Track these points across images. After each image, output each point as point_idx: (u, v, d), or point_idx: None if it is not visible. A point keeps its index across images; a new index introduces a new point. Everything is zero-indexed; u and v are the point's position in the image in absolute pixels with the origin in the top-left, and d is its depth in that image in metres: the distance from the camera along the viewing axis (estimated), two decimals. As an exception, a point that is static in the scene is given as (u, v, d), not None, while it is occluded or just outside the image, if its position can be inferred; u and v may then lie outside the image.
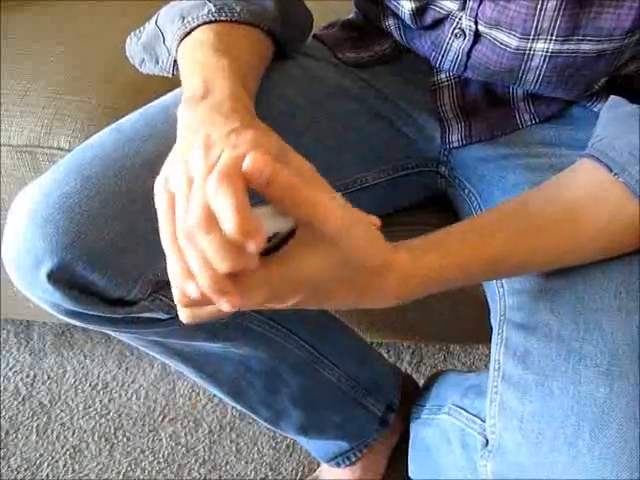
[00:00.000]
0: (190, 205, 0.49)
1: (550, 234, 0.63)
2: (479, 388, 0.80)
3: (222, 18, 0.72)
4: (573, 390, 0.61)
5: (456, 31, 0.75)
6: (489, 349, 1.40)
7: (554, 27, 0.67)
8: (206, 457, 1.22)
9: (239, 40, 0.72)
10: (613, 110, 0.68)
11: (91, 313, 0.70)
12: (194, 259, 0.49)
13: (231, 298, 0.49)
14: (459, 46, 0.76)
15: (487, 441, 0.67)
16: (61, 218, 0.65)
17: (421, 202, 0.93)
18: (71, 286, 0.67)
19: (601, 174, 0.63)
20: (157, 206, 0.53)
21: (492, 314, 0.77)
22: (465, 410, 0.78)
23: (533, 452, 0.60)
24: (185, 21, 0.72)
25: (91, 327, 0.75)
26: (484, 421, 0.71)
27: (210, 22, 0.72)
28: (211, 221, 0.47)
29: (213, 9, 0.72)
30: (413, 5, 0.75)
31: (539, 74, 0.72)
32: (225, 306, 0.49)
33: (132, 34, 0.81)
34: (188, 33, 0.72)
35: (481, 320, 1.09)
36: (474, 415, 0.75)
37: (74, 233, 0.64)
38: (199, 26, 0.72)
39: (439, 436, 0.84)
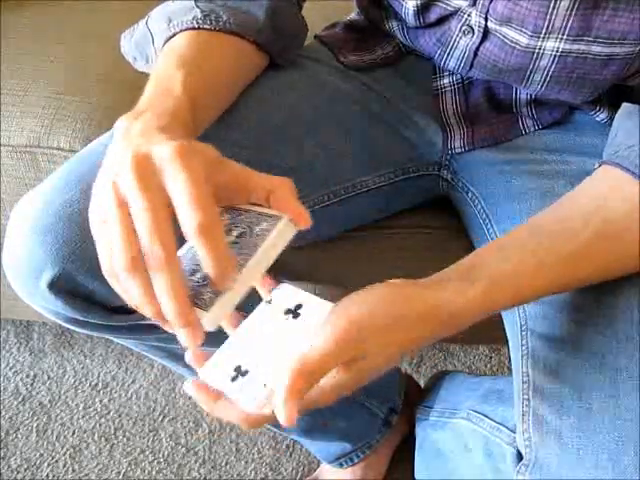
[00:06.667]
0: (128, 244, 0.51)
1: (595, 256, 0.61)
2: (500, 394, 0.79)
3: (206, 26, 0.70)
4: (613, 404, 0.60)
5: (464, 28, 0.74)
6: (489, 349, 1.39)
7: (566, 26, 0.66)
8: (206, 457, 1.22)
9: (217, 51, 0.71)
10: (633, 118, 0.66)
11: (92, 321, 0.70)
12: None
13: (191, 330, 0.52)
14: (466, 43, 0.75)
15: (519, 453, 0.66)
16: (62, 227, 0.64)
17: (422, 204, 0.93)
18: (72, 295, 0.66)
19: (633, 185, 0.61)
20: (92, 231, 0.55)
21: (508, 323, 0.76)
22: (487, 417, 0.78)
23: (575, 468, 0.59)
24: (171, 24, 0.71)
25: (93, 334, 0.75)
26: (512, 430, 0.70)
27: (194, 28, 0.70)
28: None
29: (199, 15, 0.71)
30: (418, 2, 0.74)
31: (547, 74, 0.71)
32: (185, 340, 0.52)
33: (126, 32, 0.80)
34: (172, 36, 0.71)
35: (481, 320, 1.09)
36: (499, 423, 0.75)
37: (75, 242, 0.64)
38: (182, 31, 0.71)
39: (454, 441, 0.84)
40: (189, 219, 0.50)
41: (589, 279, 0.64)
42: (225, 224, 0.57)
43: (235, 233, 0.56)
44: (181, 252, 0.57)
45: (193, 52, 0.69)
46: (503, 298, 0.59)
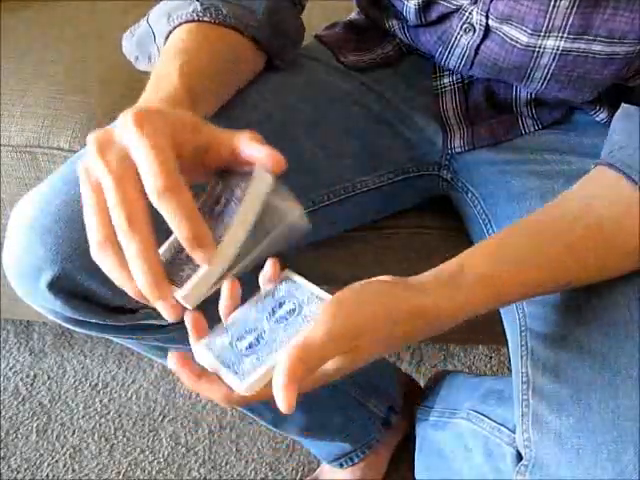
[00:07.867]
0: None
1: (584, 255, 0.61)
2: (500, 394, 0.79)
3: (206, 19, 0.70)
4: (612, 404, 0.60)
5: (465, 26, 0.75)
6: (489, 349, 1.39)
7: (566, 25, 0.66)
8: (206, 457, 1.22)
9: (216, 43, 0.71)
10: (630, 119, 0.67)
11: (92, 321, 0.70)
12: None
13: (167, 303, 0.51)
14: (467, 41, 0.75)
15: (519, 453, 0.66)
16: (61, 227, 0.64)
17: (422, 205, 0.93)
18: (72, 295, 0.66)
19: (624, 186, 0.62)
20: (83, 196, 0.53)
21: (507, 322, 0.76)
22: (487, 417, 0.77)
23: (575, 468, 0.59)
24: (170, 19, 0.72)
25: (93, 334, 0.75)
26: (512, 431, 0.70)
27: (194, 21, 0.71)
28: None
29: (199, 8, 0.71)
30: (419, 0, 0.75)
31: (547, 73, 0.71)
32: (166, 313, 0.51)
33: (128, 31, 0.81)
34: (173, 30, 0.71)
35: (481, 320, 1.09)
36: (499, 423, 0.74)
37: (74, 242, 0.64)
38: (182, 24, 0.71)
39: (454, 441, 0.84)
40: (150, 185, 0.48)
41: (583, 279, 0.64)
42: (216, 193, 0.55)
43: (223, 201, 0.55)
44: (168, 242, 0.56)
45: (192, 43, 0.69)
46: (487, 299, 0.59)
